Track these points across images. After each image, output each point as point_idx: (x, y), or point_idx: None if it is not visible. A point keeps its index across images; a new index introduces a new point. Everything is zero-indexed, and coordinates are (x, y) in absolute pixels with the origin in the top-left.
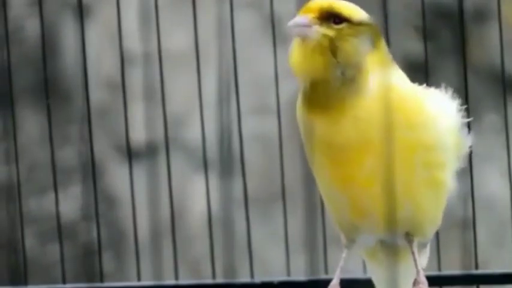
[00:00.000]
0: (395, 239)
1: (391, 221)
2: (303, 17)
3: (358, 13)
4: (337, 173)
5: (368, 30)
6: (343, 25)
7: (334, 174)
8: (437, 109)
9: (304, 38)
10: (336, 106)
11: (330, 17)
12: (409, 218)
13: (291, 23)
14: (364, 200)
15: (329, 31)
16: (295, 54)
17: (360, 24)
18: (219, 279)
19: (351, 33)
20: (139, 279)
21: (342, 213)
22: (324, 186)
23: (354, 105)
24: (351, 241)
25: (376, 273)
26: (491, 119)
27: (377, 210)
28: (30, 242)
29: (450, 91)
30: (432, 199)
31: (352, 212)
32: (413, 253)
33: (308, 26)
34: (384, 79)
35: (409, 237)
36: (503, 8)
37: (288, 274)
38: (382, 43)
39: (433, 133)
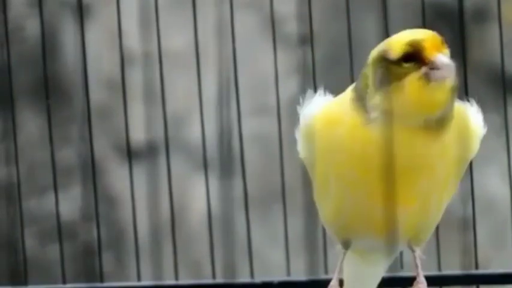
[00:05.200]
0: (393, 245)
1: (408, 232)
2: (445, 58)
3: None
4: (380, 190)
5: None
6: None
7: (374, 190)
8: (480, 124)
9: (445, 80)
10: (434, 132)
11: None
12: (425, 227)
13: (441, 66)
14: (396, 216)
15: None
16: (424, 95)
17: None
18: (219, 279)
19: None
20: (139, 279)
21: (357, 224)
22: (346, 198)
23: (446, 129)
24: (346, 246)
25: (356, 267)
26: (491, 119)
27: (407, 225)
28: (30, 242)
29: (475, 104)
30: (444, 207)
31: (373, 225)
32: (415, 257)
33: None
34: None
35: (413, 242)
36: (503, 8)
37: (288, 274)
38: None
39: (476, 145)
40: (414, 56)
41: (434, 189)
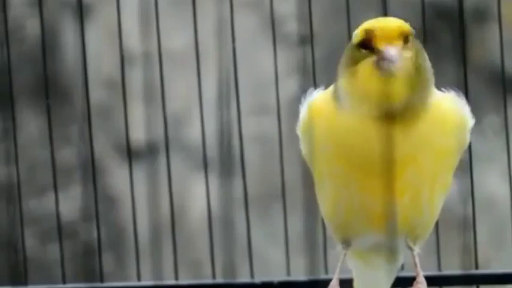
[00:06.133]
0: (395, 241)
1: (402, 226)
2: (394, 49)
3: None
4: (370, 183)
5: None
6: (409, 43)
7: (364, 184)
8: (466, 114)
9: (391, 72)
10: (403, 121)
11: (404, 39)
12: (421, 222)
13: (389, 57)
14: (387, 209)
15: (408, 53)
16: (377, 86)
17: (413, 36)
18: (219, 279)
19: (417, 48)
20: (139, 279)
21: (352, 219)
22: (339, 193)
23: (421, 119)
24: (347, 244)
25: (362, 272)
26: (491, 119)
27: (400, 220)
28: (30, 242)
29: (462, 95)
30: (441, 202)
31: (368, 219)
32: (414, 256)
33: (400, 57)
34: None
35: (409, 241)
36: (503, 8)
37: (288, 274)
38: None
39: (464, 137)
40: (367, 44)
41: (422, 181)
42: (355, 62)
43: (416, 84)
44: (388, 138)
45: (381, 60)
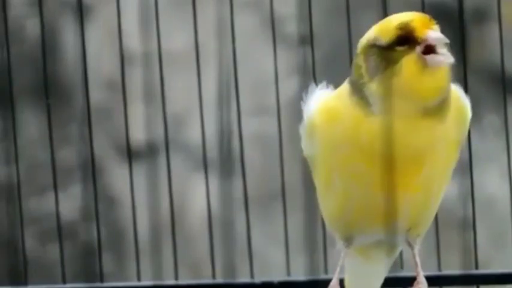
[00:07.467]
0: (395, 237)
1: (409, 222)
2: (437, 33)
3: None
4: (390, 180)
5: None
6: None
7: (384, 182)
8: (467, 105)
9: (442, 64)
10: (435, 116)
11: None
12: (425, 217)
13: (437, 41)
14: (400, 206)
15: None
16: (421, 78)
17: None
18: (219, 279)
19: None
20: (139, 279)
21: (363, 218)
22: (352, 192)
23: (443, 113)
24: (349, 242)
25: (359, 268)
26: (491, 119)
27: (410, 215)
28: (30, 242)
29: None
30: (441, 197)
31: (380, 216)
32: (414, 255)
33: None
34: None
35: (410, 237)
36: (503, 8)
37: (288, 274)
38: None
39: (466, 128)
40: (406, 39)
41: (436, 175)
42: (391, 62)
43: (450, 76)
44: (426, 135)
45: (429, 54)
